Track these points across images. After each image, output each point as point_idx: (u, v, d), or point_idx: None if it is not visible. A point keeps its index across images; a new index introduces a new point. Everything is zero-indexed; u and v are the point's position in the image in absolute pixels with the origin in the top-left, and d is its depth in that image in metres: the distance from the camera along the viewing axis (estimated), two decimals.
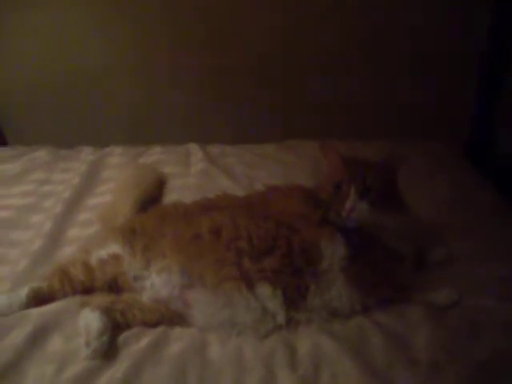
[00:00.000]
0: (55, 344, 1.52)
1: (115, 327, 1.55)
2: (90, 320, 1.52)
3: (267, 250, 1.63)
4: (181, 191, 2.31)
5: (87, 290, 1.69)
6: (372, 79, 3.06)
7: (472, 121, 3.03)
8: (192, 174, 2.52)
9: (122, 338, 1.53)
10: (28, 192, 2.36)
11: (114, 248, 1.73)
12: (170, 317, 1.61)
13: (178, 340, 1.53)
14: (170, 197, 2.27)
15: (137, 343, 1.51)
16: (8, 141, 3.17)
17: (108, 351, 1.48)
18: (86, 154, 2.72)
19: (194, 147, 2.78)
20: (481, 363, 1.44)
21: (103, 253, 1.74)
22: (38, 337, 1.53)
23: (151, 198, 2.21)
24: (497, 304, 1.62)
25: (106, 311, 1.55)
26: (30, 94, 3.06)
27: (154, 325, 1.59)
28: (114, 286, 1.69)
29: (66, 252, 1.94)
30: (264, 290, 1.59)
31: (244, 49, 2.99)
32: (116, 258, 1.71)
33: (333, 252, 1.64)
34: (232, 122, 3.12)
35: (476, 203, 2.21)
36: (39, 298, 1.66)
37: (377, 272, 1.67)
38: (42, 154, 2.73)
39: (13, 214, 2.20)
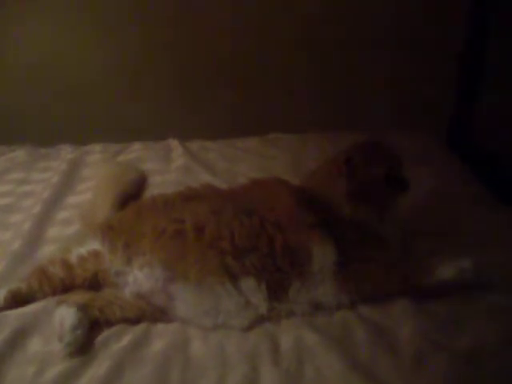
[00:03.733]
0: (35, 345, 1.49)
1: (95, 324, 1.54)
2: (64, 315, 1.50)
3: (249, 249, 1.62)
4: (162, 187, 2.29)
5: (67, 288, 1.67)
6: (351, 68, 3.06)
7: (452, 109, 3.03)
8: (173, 169, 2.51)
9: (102, 336, 1.51)
10: (7, 192, 2.33)
11: (94, 245, 1.72)
12: (151, 312, 1.59)
13: (160, 337, 1.51)
14: (151, 193, 2.23)
15: (118, 342, 1.49)
16: None
17: (88, 350, 1.46)
18: (66, 153, 2.69)
19: (173, 143, 2.77)
20: (465, 354, 1.43)
21: (82, 250, 1.72)
22: (18, 338, 1.50)
23: (131, 195, 2.19)
24: (481, 293, 1.62)
25: (84, 308, 1.53)
26: (7, 93, 3.03)
27: (134, 321, 1.57)
28: (94, 282, 1.68)
29: (46, 251, 1.91)
30: (248, 283, 1.58)
31: (219, 40, 2.98)
32: (96, 254, 1.70)
33: (324, 256, 1.63)
34: (212, 117, 3.11)
35: (460, 193, 2.21)
36: (18, 300, 1.63)
37: (371, 270, 1.66)
38: (20, 153, 2.71)
39: None
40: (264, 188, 1.87)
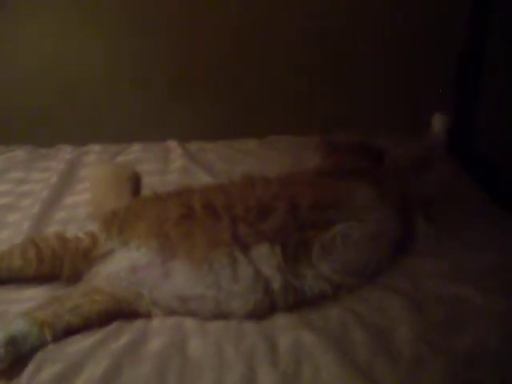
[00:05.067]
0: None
1: (62, 331, 1.50)
2: (7, 328, 1.45)
3: (266, 211, 1.64)
4: (160, 188, 2.26)
5: (56, 261, 1.66)
6: (350, 70, 3.07)
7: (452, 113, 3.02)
8: (171, 170, 2.52)
9: (99, 336, 1.50)
10: (6, 191, 2.33)
11: (92, 228, 1.74)
12: (127, 301, 1.58)
13: (158, 336, 1.50)
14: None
15: (116, 341, 1.48)
16: None
17: (87, 351, 1.45)
18: (65, 153, 2.69)
19: (172, 144, 2.77)
20: (463, 357, 1.43)
21: (79, 232, 1.74)
22: None
23: (131, 193, 2.22)
24: (479, 295, 1.63)
25: (41, 324, 1.47)
26: (7, 93, 3.03)
27: (106, 315, 1.56)
28: (86, 260, 1.67)
29: None
30: (261, 250, 1.59)
31: (219, 41, 2.99)
32: (92, 235, 1.71)
33: (366, 190, 1.80)
34: (211, 118, 3.11)
35: (459, 197, 2.20)
36: None
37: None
38: (19, 153, 2.71)
39: None
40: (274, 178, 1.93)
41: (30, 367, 1.40)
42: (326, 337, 1.48)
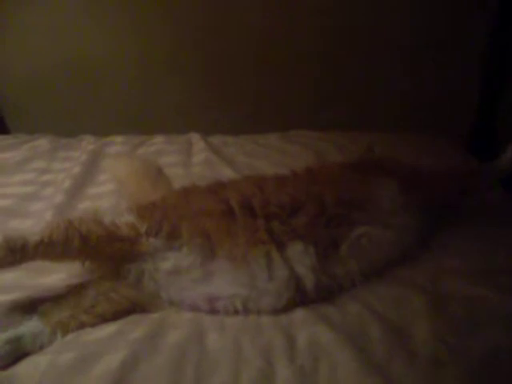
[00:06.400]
0: None
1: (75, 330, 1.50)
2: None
3: (297, 207, 1.66)
4: (183, 181, 2.28)
5: (95, 252, 1.58)
6: (373, 70, 3.05)
7: (475, 115, 3.00)
8: (194, 163, 2.52)
9: (117, 326, 1.51)
10: (28, 180, 2.35)
11: (129, 218, 1.65)
12: (142, 304, 1.59)
13: (176, 328, 1.50)
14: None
15: (133, 332, 1.48)
16: (11, 129, 3.16)
17: (105, 341, 1.45)
18: (87, 143, 2.72)
19: (195, 137, 2.78)
20: (481, 359, 1.40)
21: (117, 219, 1.64)
22: None
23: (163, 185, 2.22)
24: (496, 296, 1.61)
25: (54, 325, 1.49)
26: (33, 83, 3.05)
27: (124, 314, 1.57)
28: (129, 254, 1.60)
29: None
30: (295, 248, 1.60)
31: (244, 36, 2.98)
32: (132, 226, 1.61)
33: (389, 185, 1.82)
34: (233, 112, 3.11)
35: (483, 197, 2.18)
36: (17, 256, 1.46)
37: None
38: (43, 142, 2.73)
39: (13, 202, 2.18)
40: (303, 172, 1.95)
41: (47, 356, 1.41)
42: (343, 333, 1.48)
